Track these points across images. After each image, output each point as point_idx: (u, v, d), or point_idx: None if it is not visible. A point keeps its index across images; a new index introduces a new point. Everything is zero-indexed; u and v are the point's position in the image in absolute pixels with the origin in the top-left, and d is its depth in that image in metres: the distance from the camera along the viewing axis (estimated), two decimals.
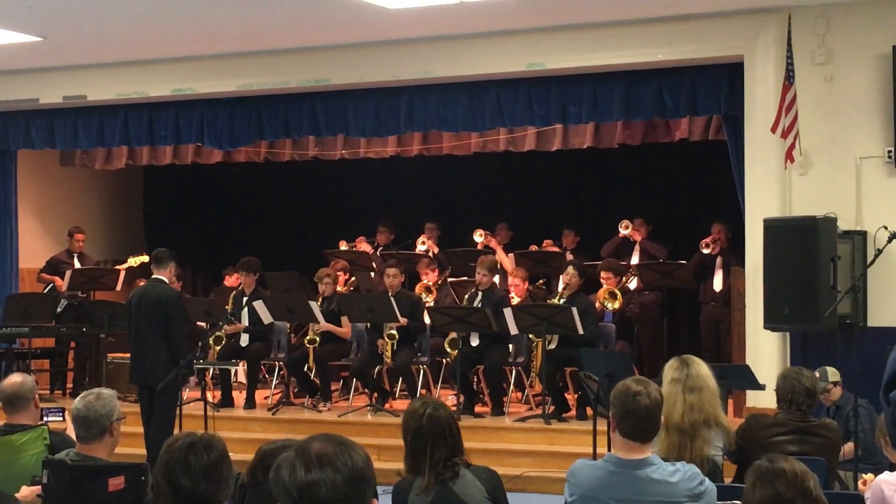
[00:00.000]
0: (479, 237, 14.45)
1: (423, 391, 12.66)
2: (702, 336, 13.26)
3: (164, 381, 9.94)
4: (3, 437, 6.25)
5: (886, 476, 5.02)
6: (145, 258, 14.18)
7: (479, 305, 11.97)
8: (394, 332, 12.19)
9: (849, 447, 8.16)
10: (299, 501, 2.51)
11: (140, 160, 15.70)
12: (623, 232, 13.76)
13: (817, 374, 7.36)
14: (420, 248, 14.69)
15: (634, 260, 13.62)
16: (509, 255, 13.90)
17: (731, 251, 12.71)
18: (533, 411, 11.97)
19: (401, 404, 12.49)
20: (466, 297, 12.64)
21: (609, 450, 5.17)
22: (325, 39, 12.41)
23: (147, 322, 10.22)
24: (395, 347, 12.22)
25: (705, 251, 13.03)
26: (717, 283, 12.99)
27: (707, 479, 4.97)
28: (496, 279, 12.76)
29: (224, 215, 18.00)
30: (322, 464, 2.56)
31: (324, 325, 12.58)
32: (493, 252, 13.79)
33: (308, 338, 12.63)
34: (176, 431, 9.55)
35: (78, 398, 5.72)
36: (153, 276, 10.49)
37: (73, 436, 5.79)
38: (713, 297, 13.04)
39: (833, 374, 8.74)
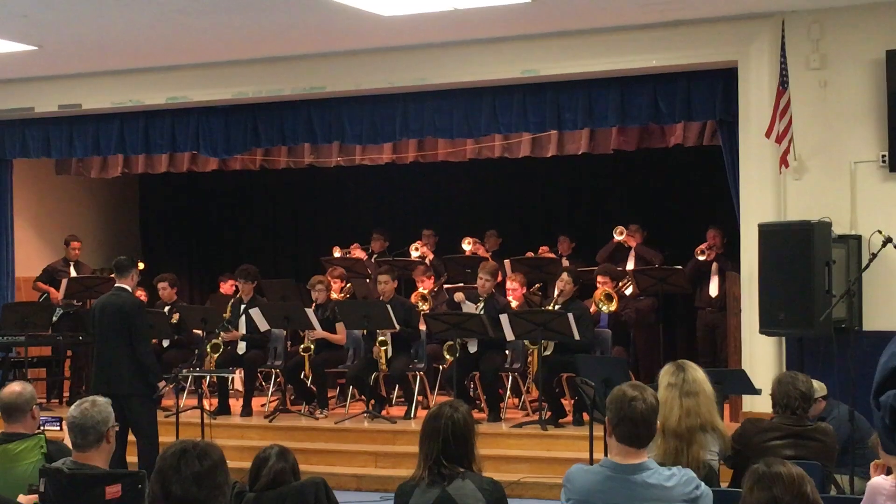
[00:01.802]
0: (467, 245, 14.48)
1: (420, 397, 12.68)
2: (698, 341, 13.27)
3: (159, 391, 9.99)
4: (0, 445, 6.25)
5: (880, 480, 5.02)
6: (141, 265, 14.18)
7: (482, 312, 11.98)
8: (385, 338, 12.20)
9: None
10: None
11: (136, 168, 15.70)
12: (617, 238, 13.77)
13: None
14: (414, 254, 14.71)
15: (630, 265, 13.63)
16: (504, 261, 13.91)
17: (727, 256, 12.73)
18: (529, 417, 11.97)
19: (397, 411, 12.51)
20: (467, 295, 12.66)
21: (605, 455, 5.18)
22: (320, 47, 12.42)
23: (110, 331, 10.11)
24: (388, 354, 12.23)
25: (701, 258, 13.03)
26: (713, 289, 12.98)
27: (703, 483, 4.98)
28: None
29: (220, 223, 18.02)
30: None
31: (318, 333, 12.59)
32: (486, 259, 13.81)
33: (303, 346, 12.64)
34: (173, 440, 9.57)
35: (73, 406, 5.74)
36: (116, 285, 10.40)
37: (70, 444, 5.80)
38: (709, 303, 13.03)
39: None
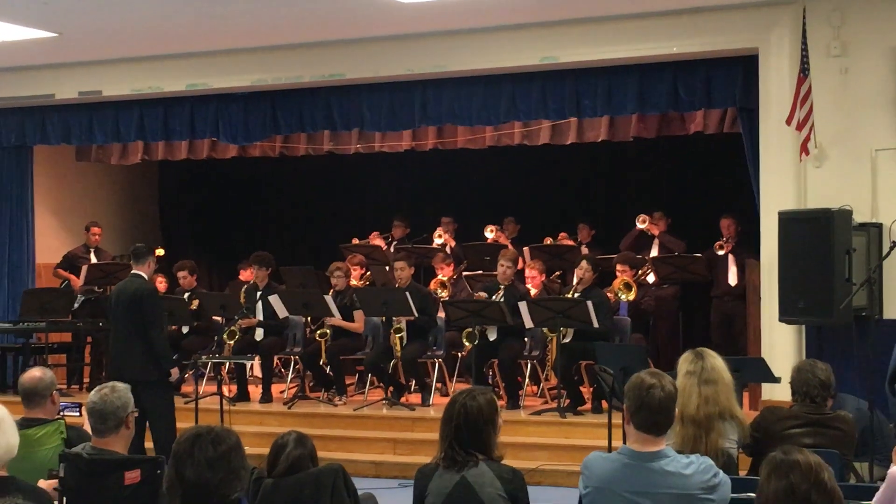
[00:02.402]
0: (490, 233, 14.46)
1: (439, 384, 12.70)
2: (713, 330, 13.18)
3: (174, 378, 10.01)
4: (21, 431, 6.27)
5: None
6: (160, 251, 14.24)
7: (502, 300, 11.96)
8: (400, 326, 12.20)
9: None
10: None
11: (155, 155, 15.73)
12: (639, 226, 13.72)
13: None
14: (437, 241, 14.70)
15: (654, 253, 13.57)
16: (523, 248, 13.90)
17: (741, 245, 12.70)
18: (548, 405, 11.97)
19: (417, 398, 12.51)
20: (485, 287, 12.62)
21: (624, 443, 5.18)
22: (340, 34, 12.42)
23: (123, 317, 10.13)
24: (403, 341, 12.23)
25: (720, 253, 12.94)
26: (732, 278, 12.92)
27: (721, 471, 4.98)
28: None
29: (239, 210, 18.03)
30: None
31: (336, 320, 12.60)
32: (506, 247, 13.80)
33: (319, 331, 12.66)
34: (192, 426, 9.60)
35: (93, 392, 5.76)
36: (132, 272, 10.41)
37: (90, 430, 5.82)
38: (728, 292, 12.97)
39: None
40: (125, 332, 10.07)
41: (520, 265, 13.12)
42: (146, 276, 10.28)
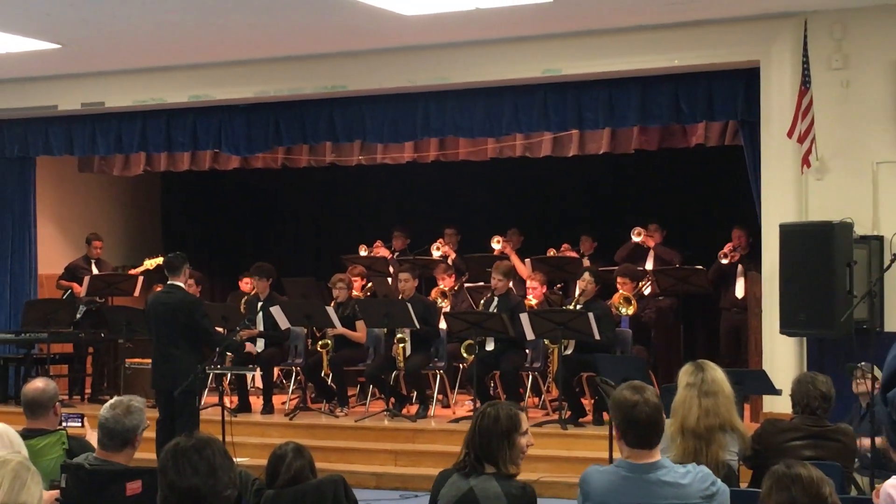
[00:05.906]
0: (496, 244, 14.46)
1: (440, 396, 12.69)
2: (721, 343, 13.18)
3: (181, 387, 10.01)
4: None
5: (894, 481, 4.95)
6: (160, 260, 14.23)
7: (496, 311, 11.99)
8: (403, 336, 12.21)
9: (866, 442, 7.94)
10: None
11: (158, 166, 15.74)
12: (635, 239, 13.71)
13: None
14: (435, 253, 14.70)
15: (649, 265, 13.57)
16: (525, 260, 13.91)
17: (751, 257, 12.68)
18: (549, 416, 11.97)
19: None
20: (483, 301, 12.67)
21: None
22: (342, 46, 12.44)
23: (167, 329, 10.24)
24: (406, 352, 12.23)
25: (724, 261, 12.91)
26: (739, 290, 12.87)
27: (719, 480, 4.98)
28: (510, 285, 12.78)
29: (241, 221, 18.04)
30: None
31: (339, 330, 12.61)
32: (509, 258, 13.81)
33: (321, 342, 12.66)
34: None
35: (108, 406, 5.68)
36: (169, 283, 10.50)
37: (93, 441, 5.81)
38: (735, 304, 12.93)
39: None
40: (167, 343, 10.19)
41: (525, 276, 13.17)
42: (184, 286, 10.42)
